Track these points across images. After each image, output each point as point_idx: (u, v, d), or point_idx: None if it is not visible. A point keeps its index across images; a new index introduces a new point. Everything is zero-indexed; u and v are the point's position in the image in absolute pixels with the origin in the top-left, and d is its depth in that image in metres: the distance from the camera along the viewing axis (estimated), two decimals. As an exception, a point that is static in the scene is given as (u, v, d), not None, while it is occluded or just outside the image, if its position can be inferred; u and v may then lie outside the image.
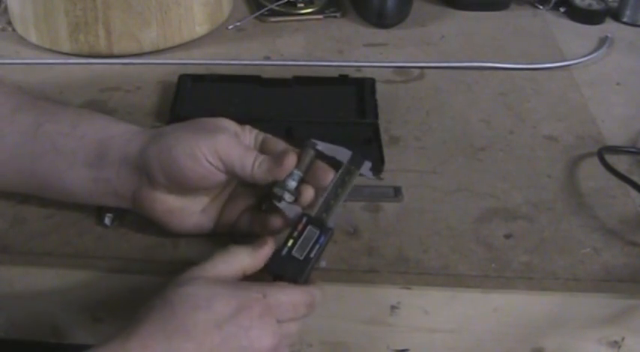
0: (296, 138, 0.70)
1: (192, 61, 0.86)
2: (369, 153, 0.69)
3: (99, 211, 0.62)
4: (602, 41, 0.92)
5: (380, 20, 0.94)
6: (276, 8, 0.96)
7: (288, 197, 0.55)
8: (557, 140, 0.75)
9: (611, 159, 0.69)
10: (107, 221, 0.62)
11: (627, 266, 0.60)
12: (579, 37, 0.94)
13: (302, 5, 0.97)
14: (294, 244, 0.52)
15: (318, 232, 0.53)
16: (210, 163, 0.54)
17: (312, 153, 0.57)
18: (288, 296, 0.50)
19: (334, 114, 0.76)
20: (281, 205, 0.55)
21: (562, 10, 1.00)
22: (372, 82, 0.80)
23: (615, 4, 0.98)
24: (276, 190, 0.55)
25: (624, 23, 0.98)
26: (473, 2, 1.00)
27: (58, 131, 0.58)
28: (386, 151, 0.70)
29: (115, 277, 0.58)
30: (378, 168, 0.68)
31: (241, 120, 0.73)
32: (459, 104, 0.80)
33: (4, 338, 0.61)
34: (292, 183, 0.55)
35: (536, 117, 0.78)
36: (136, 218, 0.61)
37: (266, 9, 0.96)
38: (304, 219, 0.53)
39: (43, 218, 0.62)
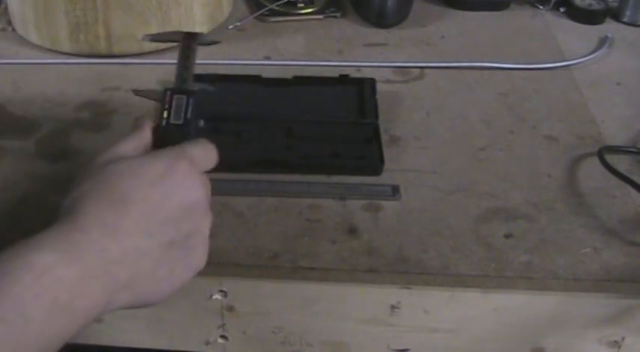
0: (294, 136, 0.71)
1: (192, 60, 0.86)
2: (369, 152, 0.70)
3: None
4: (602, 41, 0.92)
5: (380, 20, 0.94)
6: (276, 8, 0.96)
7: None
8: (557, 140, 0.75)
9: (611, 159, 0.69)
10: None
11: (627, 266, 0.60)
12: (579, 37, 0.94)
13: (302, 5, 0.97)
14: (169, 115, 0.56)
15: (185, 97, 0.57)
16: None
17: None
18: (200, 149, 0.53)
19: (334, 114, 0.76)
20: (144, 93, 0.62)
21: (562, 10, 1.00)
22: (372, 82, 0.80)
23: (615, 4, 0.98)
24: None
25: (624, 23, 0.98)
26: (473, 2, 1.00)
27: None
28: (386, 151, 0.70)
29: (115, 277, 0.58)
30: (378, 167, 0.68)
31: (241, 120, 0.74)
32: (459, 104, 0.80)
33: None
34: None
35: (536, 117, 0.78)
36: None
37: (266, 9, 0.96)
38: (168, 93, 0.58)
39: (43, 218, 0.62)
